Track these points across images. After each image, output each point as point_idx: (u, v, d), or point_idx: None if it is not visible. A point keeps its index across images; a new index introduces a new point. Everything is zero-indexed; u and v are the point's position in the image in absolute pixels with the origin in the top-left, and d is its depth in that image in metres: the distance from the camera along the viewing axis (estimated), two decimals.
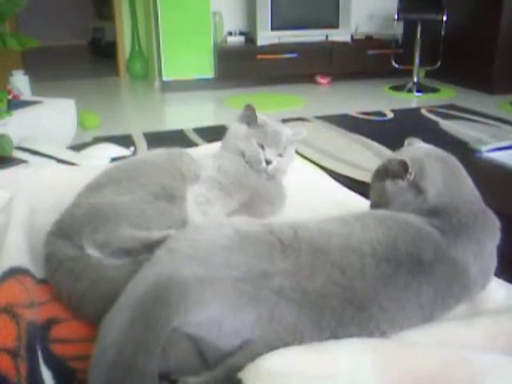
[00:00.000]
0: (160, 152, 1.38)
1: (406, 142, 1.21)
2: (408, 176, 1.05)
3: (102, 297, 0.91)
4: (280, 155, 1.39)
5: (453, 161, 1.10)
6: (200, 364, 0.78)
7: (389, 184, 1.08)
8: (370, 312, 0.82)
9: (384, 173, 1.11)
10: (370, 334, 0.82)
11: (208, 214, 1.22)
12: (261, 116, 1.41)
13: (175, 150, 1.39)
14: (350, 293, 0.81)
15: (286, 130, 1.43)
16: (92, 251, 1.00)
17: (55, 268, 1.02)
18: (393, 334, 0.84)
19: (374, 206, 1.15)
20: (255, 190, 1.34)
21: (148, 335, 0.71)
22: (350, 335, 0.80)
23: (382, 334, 0.83)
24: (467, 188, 1.07)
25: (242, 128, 1.41)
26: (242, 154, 1.38)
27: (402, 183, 1.06)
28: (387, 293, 0.84)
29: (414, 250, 0.89)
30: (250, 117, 1.41)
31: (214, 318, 0.77)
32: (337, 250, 0.85)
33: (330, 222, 0.94)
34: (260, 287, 0.78)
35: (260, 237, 0.86)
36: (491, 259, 1.00)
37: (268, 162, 1.36)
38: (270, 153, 1.37)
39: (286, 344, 0.77)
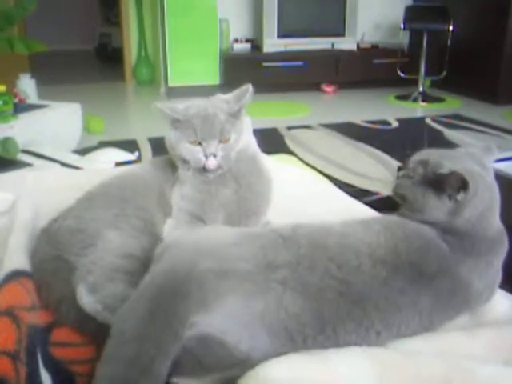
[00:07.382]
0: (154, 162, 1.28)
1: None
2: (462, 195, 0.92)
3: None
4: (222, 140, 1.12)
5: (496, 189, 0.99)
6: (199, 369, 0.78)
7: (430, 194, 0.95)
8: (364, 307, 0.83)
9: (431, 178, 0.96)
10: (366, 332, 0.82)
11: None
12: (180, 108, 1.14)
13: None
14: (346, 287, 0.83)
15: (219, 107, 1.14)
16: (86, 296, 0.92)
17: (36, 267, 1.03)
18: (389, 337, 0.84)
19: (395, 196, 1.03)
20: (238, 196, 1.17)
21: (166, 330, 0.71)
22: (348, 331, 0.81)
23: (378, 334, 0.83)
24: (495, 220, 0.99)
25: (171, 135, 1.15)
26: (188, 166, 1.14)
27: (445, 199, 0.94)
28: (382, 292, 0.84)
29: (416, 260, 0.89)
30: (167, 119, 1.14)
31: (230, 313, 0.77)
32: (334, 246, 0.88)
33: (331, 223, 0.95)
34: (267, 278, 0.81)
35: (263, 233, 0.90)
36: (497, 275, 1.00)
37: (213, 155, 1.11)
38: (208, 146, 1.11)
39: (291, 338, 0.77)
